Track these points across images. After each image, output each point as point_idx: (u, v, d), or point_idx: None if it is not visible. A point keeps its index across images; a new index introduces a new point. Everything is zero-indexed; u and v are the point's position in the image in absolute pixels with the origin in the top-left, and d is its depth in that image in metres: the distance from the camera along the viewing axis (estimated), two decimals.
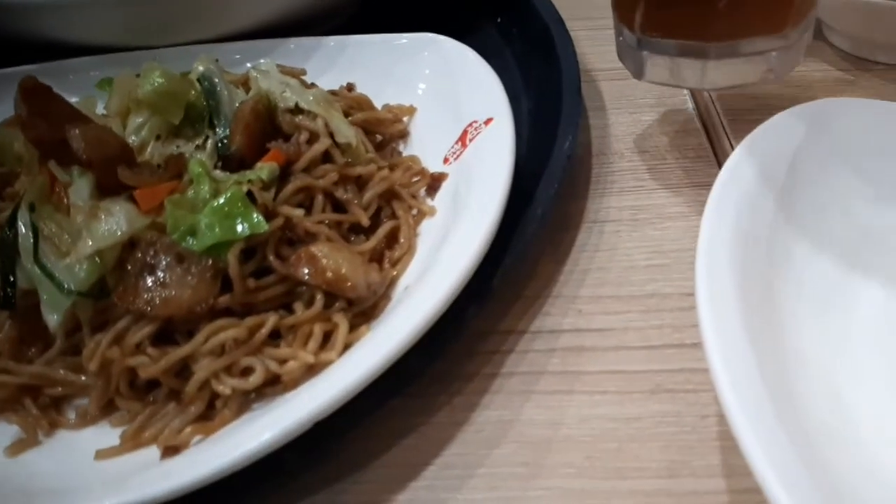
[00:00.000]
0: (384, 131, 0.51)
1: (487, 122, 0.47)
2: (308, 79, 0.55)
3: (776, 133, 0.43)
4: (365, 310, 0.41)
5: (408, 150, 0.52)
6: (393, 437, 0.39)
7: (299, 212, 0.41)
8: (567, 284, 0.45)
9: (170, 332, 0.39)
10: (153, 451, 0.37)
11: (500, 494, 0.36)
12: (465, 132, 0.48)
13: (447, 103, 0.51)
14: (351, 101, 0.51)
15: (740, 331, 0.33)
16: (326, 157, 0.46)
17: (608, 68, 0.61)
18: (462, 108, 0.50)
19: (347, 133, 0.46)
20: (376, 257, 0.43)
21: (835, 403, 0.35)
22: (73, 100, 0.51)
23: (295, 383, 0.37)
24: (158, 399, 0.39)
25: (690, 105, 0.57)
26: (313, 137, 0.45)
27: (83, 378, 0.39)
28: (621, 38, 0.49)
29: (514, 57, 0.61)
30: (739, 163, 0.41)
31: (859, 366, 0.36)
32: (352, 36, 0.58)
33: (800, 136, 0.43)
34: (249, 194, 0.41)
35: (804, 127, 0.43)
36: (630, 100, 0.58)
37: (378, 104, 0.54)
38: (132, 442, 0.37)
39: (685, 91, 0.58)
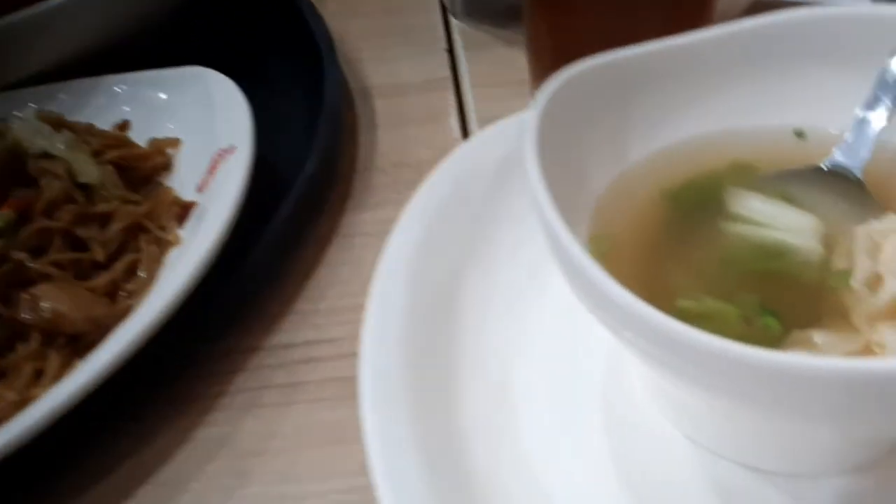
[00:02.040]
0: (144, 165, 0.53)
1: (231, 150, 0.50)
2: (84, 118, 0.57)
3: (476, 148, 0.46)
4: (92, 343, 0.42)
5: (171, 180, 0.54)
6: (117, 461, 0.40)
7: (24, 255, 0.43)
8: (308, 300, 0.48)
9: None
10: None
11: None
12: (214, 161, 0.51)
13: (206, 133, 0.54)
14: (109, 140, 0.53)
15: (397, 348, 0.36)
16: (72, 199, 0.48)
17: (385, 84, 0.64)
18: (216, 137, 0.52)
19: (90, 173, 0.48)
20: (112, 290, 0.45)
21: (506, 450, 0.36)
22: None
23: (6, 421, 0.39)
24: None
25: (454, 117, 0.60)
26: (56, 181, 0.47)
27: None
28: None
29: (292, 80, 0.63)
30: (435, 181, 0.44)
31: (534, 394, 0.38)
32: (126, 74, 0.60)
33: (500, 149, 0.45)
34: None
35: (504, 140, 0.46)
36: (401, 115, 0.61)
37: (146, 137, 0.56)
38: None
39: (452, 102, 0.61)
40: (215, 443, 0.41)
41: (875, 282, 0.32)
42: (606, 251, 0.35)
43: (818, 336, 0.31)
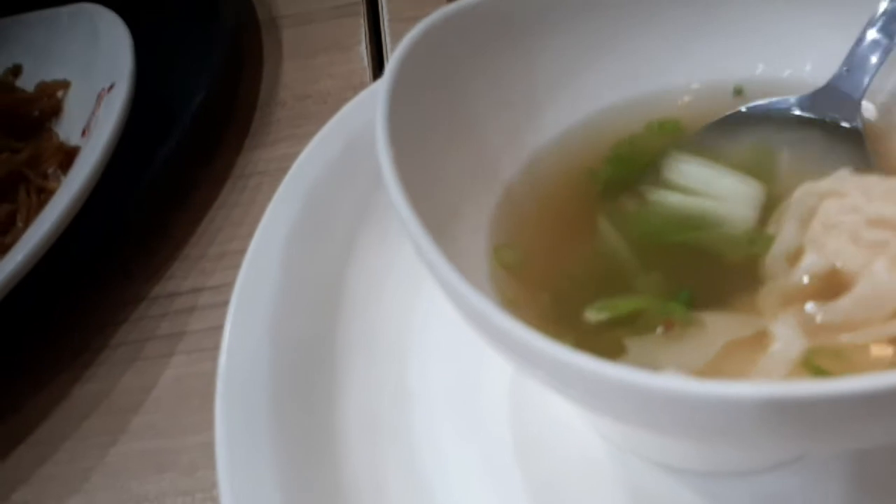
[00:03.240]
0: (29, 110, 0.51)
1: (111, 88, 0.47)
2: None
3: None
4: None
5: (61, 124, 0.52)
6: None
7: None
8: (197, 245, 0.46)
9: None
10: None
11: (79, 465, 0.37)
12: (98, 101, 0.48)
13: (95, 74, 0.51)
14: None
15: (264, 352, 0.33)
16: None
17: (294, 12, 0.60)
18: (102, 77, 0.50)
19: None
20: None
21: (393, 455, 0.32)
22: None
23: None
24: None
25: (363, 45, 0.56)
26: None
27: None
28: None
29: (195, 10, 0.60)
30: (327, 134, 0.40)
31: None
32: (15, 16, 0.57)
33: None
34: None
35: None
36: (308, 44, 0.57)
37: (38, 80, 0.53)
38: None
39: (363, 28, 0.58)
40: (92, 399, 0.40)
41: (797, 255, 0.27)
42: (513, 262, 0.30)
43: (710, 319, 0.26)
